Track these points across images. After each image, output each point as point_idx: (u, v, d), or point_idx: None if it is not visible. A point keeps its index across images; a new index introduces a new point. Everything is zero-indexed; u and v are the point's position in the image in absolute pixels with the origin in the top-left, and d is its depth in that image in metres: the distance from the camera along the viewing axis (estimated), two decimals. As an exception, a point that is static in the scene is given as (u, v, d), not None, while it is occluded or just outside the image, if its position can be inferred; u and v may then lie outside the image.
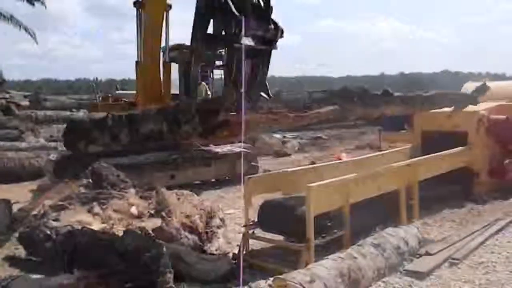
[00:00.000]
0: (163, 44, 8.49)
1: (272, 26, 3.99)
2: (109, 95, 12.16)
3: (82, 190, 4.65)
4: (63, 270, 2.80)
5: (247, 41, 3.77)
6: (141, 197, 4.59)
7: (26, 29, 16.98)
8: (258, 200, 4.35)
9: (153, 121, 3.81)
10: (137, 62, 8.54)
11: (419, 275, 3.67)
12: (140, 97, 8.54)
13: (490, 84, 7.82)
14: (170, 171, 7.36)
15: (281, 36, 4.26)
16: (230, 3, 3.69)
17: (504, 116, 6.39)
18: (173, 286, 2.84)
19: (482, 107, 6.53)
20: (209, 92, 9.60)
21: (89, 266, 2.82)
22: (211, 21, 3.89)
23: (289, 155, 12.05)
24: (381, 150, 7.48)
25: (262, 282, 3.26)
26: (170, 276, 2.83)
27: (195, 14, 3.85)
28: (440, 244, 4.33)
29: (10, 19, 16.66)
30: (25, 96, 20.46)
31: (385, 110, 5.11)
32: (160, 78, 8.39)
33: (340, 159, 8.15)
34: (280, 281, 2.91)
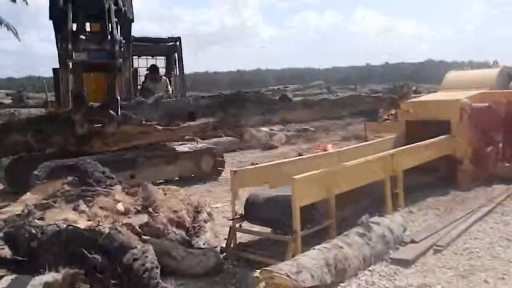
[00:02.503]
0: None
1: (109, 38, 3.91)
2: None
3: (67, 187, 4.60)
4: (48, 268, 2.78)
5: (82, 56, 3.70)
6: (127, 193, 4.56)
7: (7, 26, 16.64)
8: (245, 193, 4.37)
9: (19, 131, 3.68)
10: None
11: (405, 263, 3.73)
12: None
13: (462, 72, 7.99)
14: (129, 171, 6.79)
15: (121, 48, 4.16)
16: (70, 13, 3.59)
17: (486, 104, 6.48)
18: (160, 281, 2.84)
19: (465, 95, 6.63)
20: (170, 88, 8.99)
21: (74, 264, 2.81)
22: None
23: (276, 147, 12.11)
24: (366, 141, 7.54)
25: (249, 274, 3.28)
26: (156, 271, 2.84)
27: None
28: (424, 232, 4.40)
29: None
30: (8, 94, 20.11)
31: (286, 115, 5.04)
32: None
33: (326, 150, 8.19)
34: (267, 272, 2.93)
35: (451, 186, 6.17)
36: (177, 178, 7.57)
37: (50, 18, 5.70)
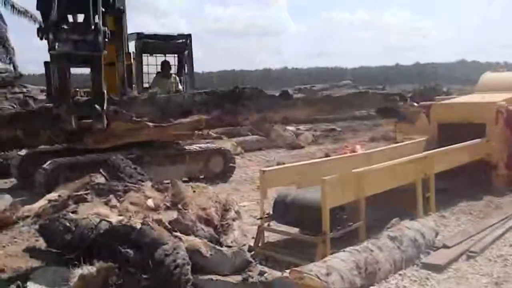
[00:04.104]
0: None
1: (93, 28, 3.74)
2: None
3: (96, 180, 4.70)
4: (82, 261, 2.84)
5: (65, 47, 3.56)
6: (157, 190, 4.62)
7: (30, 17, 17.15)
8: (273, 193, 4.36)
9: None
10: None
11: (437, 268, 3.65)
12: None
13: (498, 74, 7.71)
14: None
15: (105, 39, 3.96)
16: (55, 2, 3.44)
17: (523, 107, 6.27)
18: (191, 277, 2.87)
19: (501, 97, 6.43)
20: (180, 87, 8.53)
21: (107, 258, 2.86)
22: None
23: (303, 147, 12.03)
24: (396, 142, 7.40)
25: (278, 274, 3.26)
26: (188, 268, 2.86)
27: None
28: (457, 237, 4.30)
29: (25, 13, 16.88)
30: (42, 90, 20.65)
31: (287, 113, 4.72)
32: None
33: (354, 151, 8.09)
34: (297, 273, 2.92)
35: (484, 191, 5.99)
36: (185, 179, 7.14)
37: (37, 8, 5.39)
